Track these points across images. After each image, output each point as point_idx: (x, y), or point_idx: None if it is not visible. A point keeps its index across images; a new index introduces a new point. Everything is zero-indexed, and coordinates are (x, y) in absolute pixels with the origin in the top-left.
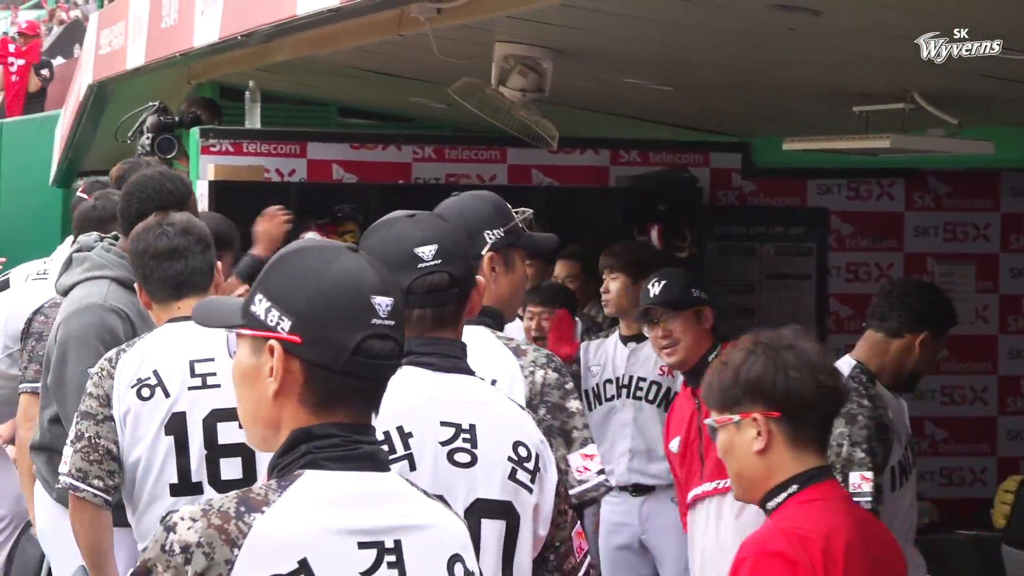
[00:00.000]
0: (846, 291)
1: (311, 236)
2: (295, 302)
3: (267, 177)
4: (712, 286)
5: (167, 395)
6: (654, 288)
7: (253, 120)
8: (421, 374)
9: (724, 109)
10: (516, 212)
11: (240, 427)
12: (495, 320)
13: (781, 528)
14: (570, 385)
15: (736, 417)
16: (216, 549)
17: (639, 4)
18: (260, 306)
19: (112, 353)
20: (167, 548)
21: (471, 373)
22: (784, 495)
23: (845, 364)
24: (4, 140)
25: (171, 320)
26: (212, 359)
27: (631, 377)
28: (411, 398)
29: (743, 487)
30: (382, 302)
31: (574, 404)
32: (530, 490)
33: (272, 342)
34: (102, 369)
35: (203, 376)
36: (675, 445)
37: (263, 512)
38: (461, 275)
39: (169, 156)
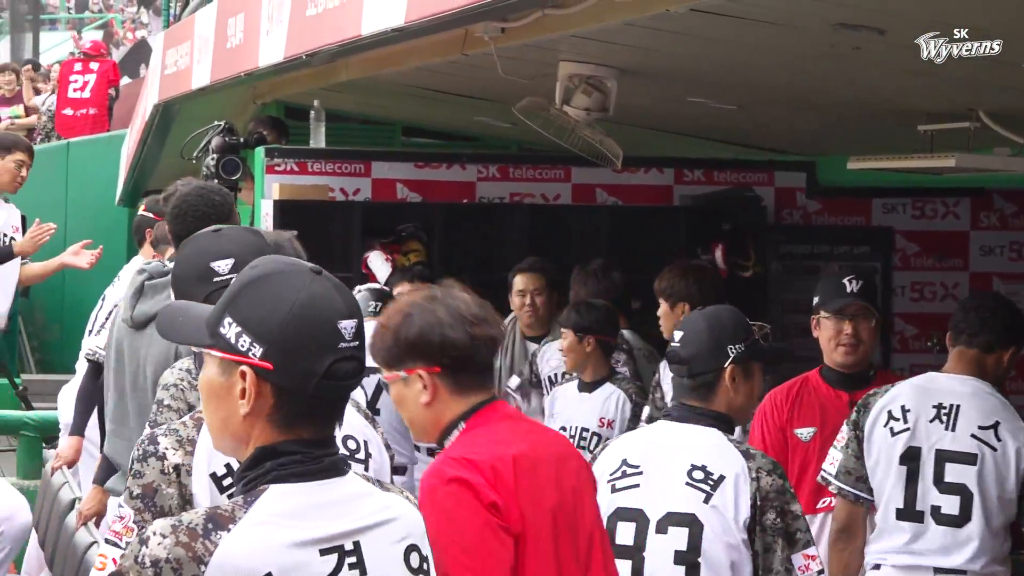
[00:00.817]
0: (911, 310)
1: (375, 255)
2: (266, 330)
3: (331, 196)
4: (776, 305)
5: None
6: (852, 284)
7: (318, 140)
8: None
9: (789, 128)
10: (754, 326)
11: None
12: (727, 425)
13: (451, 457)
14: (791, 491)
15: (403, 374)
16: (184, 566)
17: (703, 23)
18: (230, 330)
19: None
20: (140, 561)
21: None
22: (455, 432)
23: (976, 386)
24: (71, 159)
25: None
26: None
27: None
28: None
29: (417, 432)
30: (347, 325)
31: (797, 508)
32: None
33: (244, 367)
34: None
35: None
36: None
37: (229, 530)
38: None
39: (234, 177)
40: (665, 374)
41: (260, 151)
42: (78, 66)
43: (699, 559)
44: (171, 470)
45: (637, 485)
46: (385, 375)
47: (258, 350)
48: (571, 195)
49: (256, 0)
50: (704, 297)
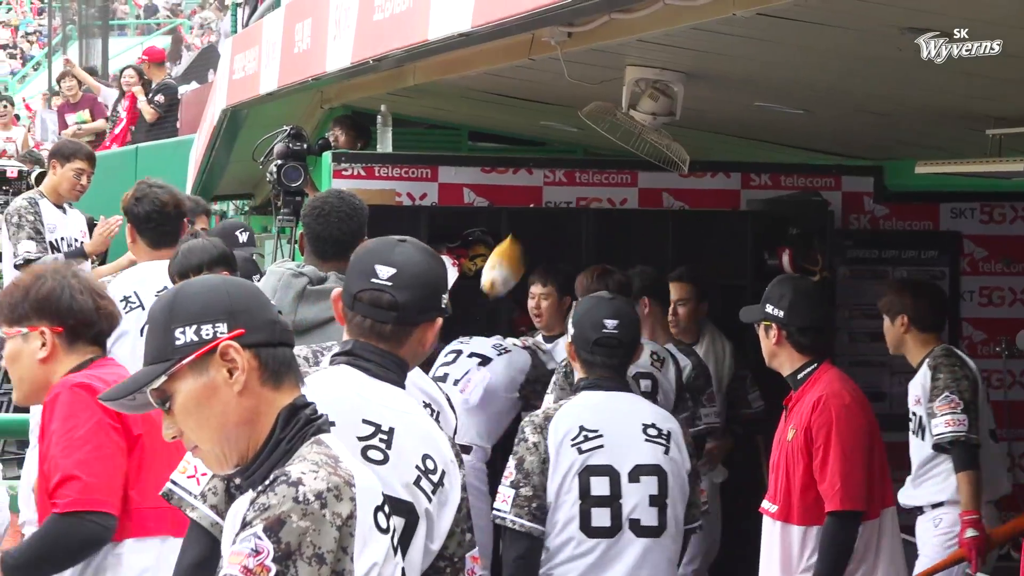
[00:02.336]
0: (979, 315)
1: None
2: (217, 307)
3: (398, 201)
4: (843, 310)
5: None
6: None
7: (385, 144)
8: (355, 374)
9: (856, 132)
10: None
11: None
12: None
13: (73, 380)
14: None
15: (24, 330)
16: (342, 491)
17: (770, 28)
18: (186, 334)
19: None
20: (301, 499)
21: (401, 386)
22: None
23: None
24: (139, 164)
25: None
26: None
27: None
28: (341, 392)
29: (24, 391)
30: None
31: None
32: (429, 499)
33: (226, 345)
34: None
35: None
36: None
37: (341, 461)
38: (410, 305)
39: (294, 185)
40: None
41: (327, 156)
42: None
43: (667, 500)
44: None
45: (602, 446)
46: (5, 331)
47: (222, 327)
48: (638, 199)
49: (324, 5)
50: (919, 309)
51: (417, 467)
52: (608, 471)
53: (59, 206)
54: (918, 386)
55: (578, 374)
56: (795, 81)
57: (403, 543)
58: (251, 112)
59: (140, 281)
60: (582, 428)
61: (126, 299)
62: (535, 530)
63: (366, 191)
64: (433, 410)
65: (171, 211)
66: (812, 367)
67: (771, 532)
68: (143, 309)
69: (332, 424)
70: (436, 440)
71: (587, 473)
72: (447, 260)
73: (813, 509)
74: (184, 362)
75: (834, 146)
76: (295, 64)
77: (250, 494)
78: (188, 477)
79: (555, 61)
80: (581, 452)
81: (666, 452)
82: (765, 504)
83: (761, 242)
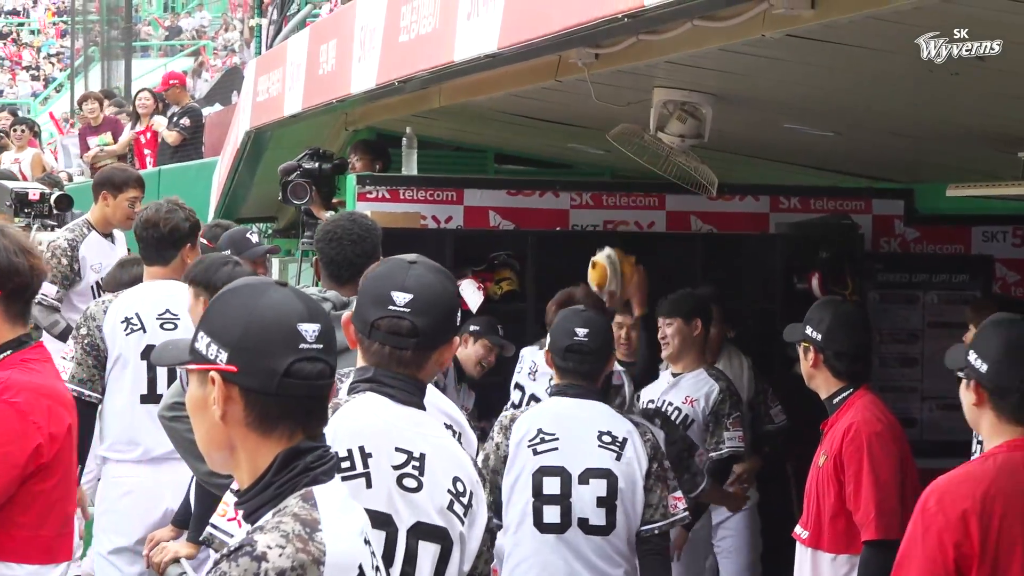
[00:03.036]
0: None
1: (467, 283)
2: (229, 335)
3: (423, 224)
4: (873, 334)
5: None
6: None
7: (410, 167)
8: (381, 401)
9: (887, 155)
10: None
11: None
12: (605, 397)
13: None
14: (661, 447)
15: None
16: (307, 570)
17: (799, 49)
18: (202, 342)
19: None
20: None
21: (423, 409)
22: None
23: None
24: (162, 187)
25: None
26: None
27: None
28: (373, 422)
29: None
30: (308, 328)
31: (667, 461)
32: (462, 521)
33: (212, 373)
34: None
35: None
36: None
37: (321, 530)
38: (429, 330)
39: (298, 202)
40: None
41: (352, 178)
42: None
43: (616, 502)
44: None
45: (556, 448)
46: None
47: (224, 355)
48: (665, 223)
49: (348, 26)
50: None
51: (449, 491)
52: (560, 472)
53: (107, 235)
54: None
55: (554, 380)
56: (824, 103)
57: (439, 570)
58: (275, 134)
59: (141, 301)
60: (540, 431)
61: (127, 320)
62: (495, 524)
63: (391, 214)
64: (455, 431)
65: (159, 231)
66: (847, 392)
67: (803, 558)
68: (144, 332)
69: (344, 467)
70: (463, 462)
71: (540, 473)
72: (472, 284)
73: (844, 537)
74: (190, 367)
75: (864, 169)
76: (319, 86)
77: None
78: (228, 520)
79: (582, 83)
80: (536, 453)
81: (618, 458)
82: (798, 529)
83: (790, 266)
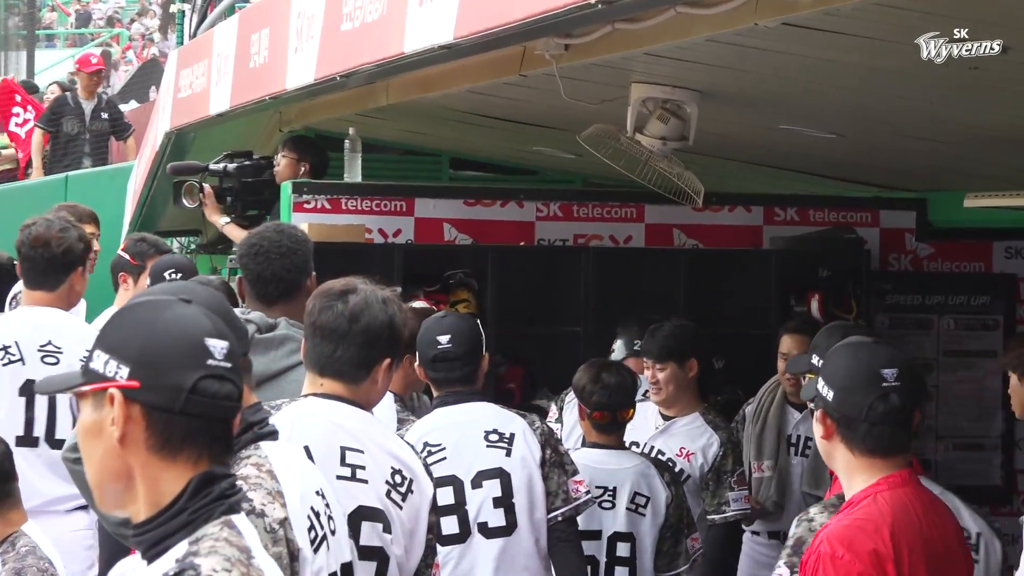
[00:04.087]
0: None
1: (419, 305)
2: (130, 349)
3: (369, 238)
4: None
5: None
6: None
7: (353, 173)
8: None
9: (896, 160)
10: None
11: (384, 529)
12: (487, 397)
13: None
14: (556, 434)
15: None
16: None
17: (797, 39)
18: (99, 361)
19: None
20: None
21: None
22: None
23: None
24: (70, 195)
25: (315, 395)
26: (362, 451)
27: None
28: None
29: None
30: (217, 344)
31: (563, 446)
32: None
33: (112, 390)
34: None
35: (353, 467)
36: None
37: (254, 556)
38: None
39: (192, 204)
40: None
41: (287, 186)
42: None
43: (512, 500)
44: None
45: (445, 458)
46: None
47: (124, 371)
48: (644, 237)
49: (283, 13)
50: None
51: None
52: (451, 481)
53: None
54: None
55: (434, 394)
56: (825, 101)
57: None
58: (199, 136)
59: (20, 328)
60: (426, 444)
61: (5, 349)
62: (437, 522)
63: (331, 227)
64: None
65: (50, 252)
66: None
67: None
68: (23, 364)
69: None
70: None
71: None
72: (424, 306)
73: None
74: (84, 388)
75: (871, 175)
76: (250, 80)
77: (144, 566)
78: None
79: (550, 77)
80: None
81: (508, 455)
82: None
83: (786, 286)
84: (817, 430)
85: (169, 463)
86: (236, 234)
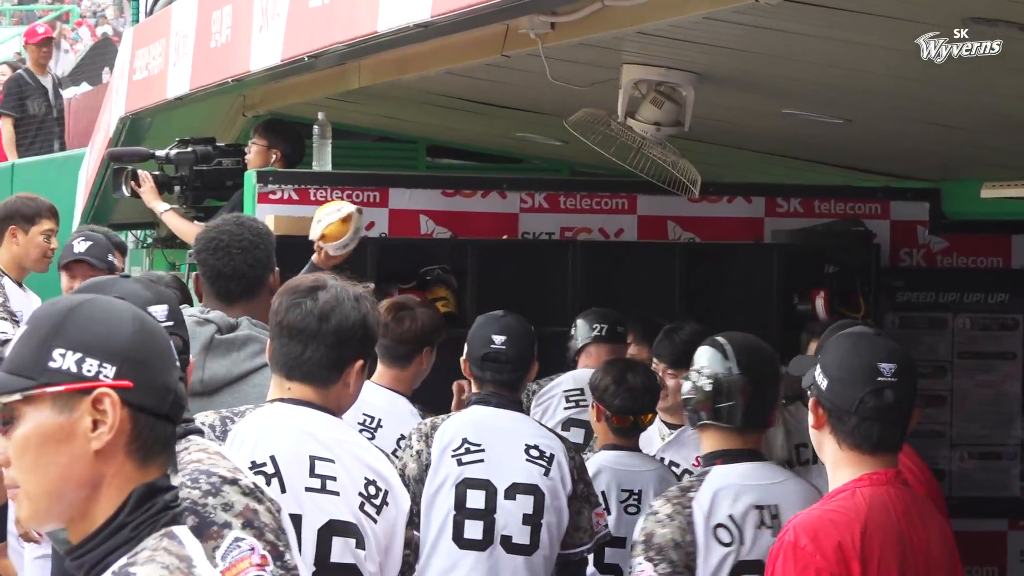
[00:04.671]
0: None
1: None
2: (115, 347)
3: None
4: None
5: (283, 490)
6: None
7: (323, 161)
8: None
9: (908, 147)
10: None
11: (357, 545)
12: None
13: None
14: (584, 464)
15: None
16: None
17: (801, 16)
18: (66, 360)
19: (215, 418)
20: None
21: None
22: None
23: None
24: (16, 184)
25: (282, 400)
26: (333, 460)
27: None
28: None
29: None
30: (172, 342)
31: (588, 477)
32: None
33: (105, 391)
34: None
35: (323, 478)
36: None
37: (196, 566)
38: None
39: (114, 194)
40: None
41: (251, 175)
42: None
43: (541, 520)
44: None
45: (482, 460)
46: None
47: (110, 370)
48: (636, 230)
49: None
50: None
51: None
52: (485, 485)
53: (21, 284)
54: None
55: (473, 389)
56: (832, 83)
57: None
58: (156, 121)
59: None
60: (465, 440)
61: None
62: (414, 537)
63: (299, 219)
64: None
65: None
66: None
67: None
68: None
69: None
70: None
71: (464, 485)
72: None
73: None
74: (49, 390)
75: (880, 164)
76: (211, 62)
77: None
78: None
79: (535, 58)
80: (460, 464)
81: (546, 473)
82: None
83: (789, 282)
84: (809, 419)
85: (143, 471)
86: (175, 223)
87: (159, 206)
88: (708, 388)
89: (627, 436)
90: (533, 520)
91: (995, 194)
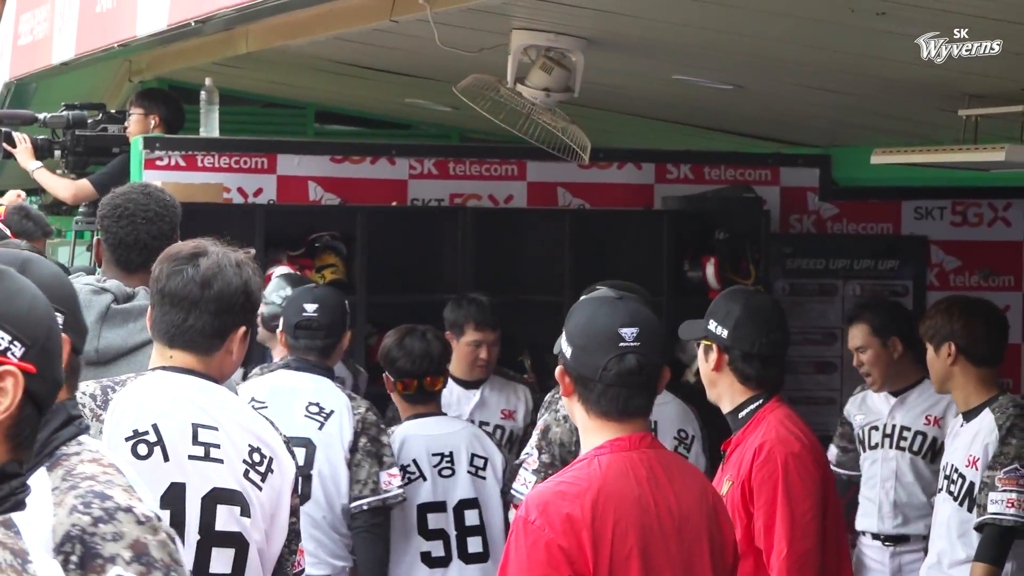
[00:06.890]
0: None
1: (282, 271)
2: (30, 327)
3: (227, 198)
4: None
5: (166, 459)
6: None
7: (210, 127)
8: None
9: (799, 113)
10: None
11: (242, 513)
12: (332, 373)
13: None
14: (383, 425)
15: None
16: None
17: None
18: None
19: (96, 388)
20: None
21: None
22: None
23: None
24: None
25: (164, 368)
26: (216, 428)
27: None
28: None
29: None
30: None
31: (386, 437)
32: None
33: (7, 370)
34: (82, 406)
35: (206, 445)
36: None
37: (32, 562)
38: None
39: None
40: None
41: (138, 141)
42: None
43: (312, 471)
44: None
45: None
46: None
47: (18, 349)
48: (526, 196)
49: None
50: (973, 334)
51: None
52: None
53: None
54: (977, 443)
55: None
56: (723, 48)
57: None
58: (41, 86)
59: None
60: (253, 399)
61: None
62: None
63: (187, 186)
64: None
65: None
66: (757, 404)
67: None
68: None
69: None
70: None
71: None
72: (286, 271)
73: None
74: None
75: (771, 130)
76: (97, 26)
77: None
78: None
79: (424, 23)
80: None
81: (320, 428)
82: None
83: (679, 249)
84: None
85: (17, 454)
86: (45, 179)
87: (31, 164)
88: None
89: (423, 402)
90: (303, 470)
91: (885, 160)
